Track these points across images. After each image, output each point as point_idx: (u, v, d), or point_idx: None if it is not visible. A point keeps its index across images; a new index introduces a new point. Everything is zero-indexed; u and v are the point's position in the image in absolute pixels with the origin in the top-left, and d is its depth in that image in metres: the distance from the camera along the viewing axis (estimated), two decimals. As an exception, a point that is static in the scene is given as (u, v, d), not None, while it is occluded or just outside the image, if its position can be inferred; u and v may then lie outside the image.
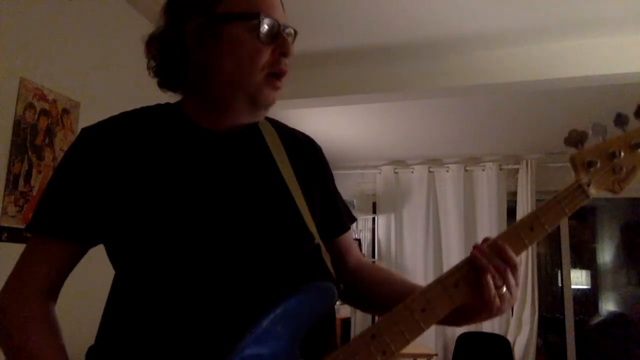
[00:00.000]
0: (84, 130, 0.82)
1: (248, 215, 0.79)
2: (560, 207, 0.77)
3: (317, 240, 0.85)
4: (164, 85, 0.86)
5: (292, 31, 0.84)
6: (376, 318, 1.70)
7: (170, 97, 0.90)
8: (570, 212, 0.77)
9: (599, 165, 0.79)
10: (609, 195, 0.81)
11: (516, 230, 0.75)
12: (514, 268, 0.73)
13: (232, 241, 0.76)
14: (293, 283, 0.74)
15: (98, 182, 0.77)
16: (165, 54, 0.83)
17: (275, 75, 0.81)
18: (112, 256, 0.80)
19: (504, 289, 0.73)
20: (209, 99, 0.83)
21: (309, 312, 0.73)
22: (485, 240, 0.76)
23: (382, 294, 0.92)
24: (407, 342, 0.70)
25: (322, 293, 0.75)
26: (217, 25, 0.79)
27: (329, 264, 0.86)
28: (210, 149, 0.82)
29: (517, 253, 0.75)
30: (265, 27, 0.79)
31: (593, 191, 0.78)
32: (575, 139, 0.80)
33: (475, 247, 0.75)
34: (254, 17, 0.78)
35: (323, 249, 0.86)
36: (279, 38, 0.81)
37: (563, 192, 0.77)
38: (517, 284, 0.74)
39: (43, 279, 0.77)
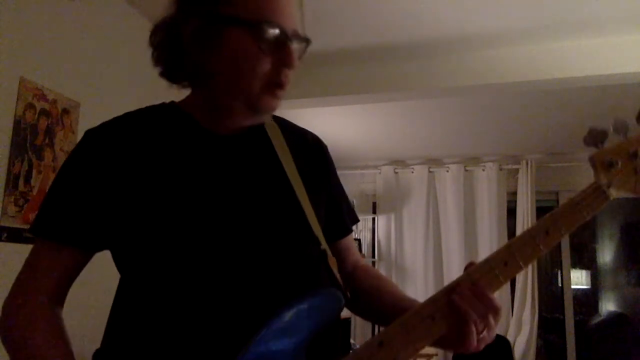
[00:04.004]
0: (87, 132, 0.81)
1: (253, 219, 0.78)
2: (579, 211, 0.72)
3: (324, 245, 0.84)
4: (163, 75, 0.83)
5: (304, 40, 0.79)
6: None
7: (172, 96, 0.89)
8: (589, 216, 0.72)
9: (619, 165, 0.74)
10: (623, 196, 0.76)
11: (531, 235, 0.72)
12: (495, 313, 0.71)
13: (238, 246, 0.75)
14: (299, 288, 0.74)
15: (102, 185, 0.76)
16: (163, 49, 0.80)
17: (275, 84, 0.77)
18: (118, 260, 0.80)
19: (485, 332, 0.70)
20: (210, 100, 0.81)
21: (320, 316, 0.73)
22: (470, 265, 0.72)
23: (370, 303, 0.91)
24: (417, 351, 0.68)
25: (330, 299, 0.75)
26: (218, 27, 0.75)
27: (335, 270, 0.84)
28: (215, 152, 0.81)
29: (532, 259, 0.72)
30: (269, 37, 0.74)
31: (613, 193, 0.74)
32: (595, 138, 0.75)
33: (458, 292, 0.70)
34: (258, 25, 0.73)
35: (329, 254, 0.84)
36: (283, 49, 0.75)
37: (581, 194, 0.73)
38: (496, 325, 0.71)
39: (48, 284, 0.77)
